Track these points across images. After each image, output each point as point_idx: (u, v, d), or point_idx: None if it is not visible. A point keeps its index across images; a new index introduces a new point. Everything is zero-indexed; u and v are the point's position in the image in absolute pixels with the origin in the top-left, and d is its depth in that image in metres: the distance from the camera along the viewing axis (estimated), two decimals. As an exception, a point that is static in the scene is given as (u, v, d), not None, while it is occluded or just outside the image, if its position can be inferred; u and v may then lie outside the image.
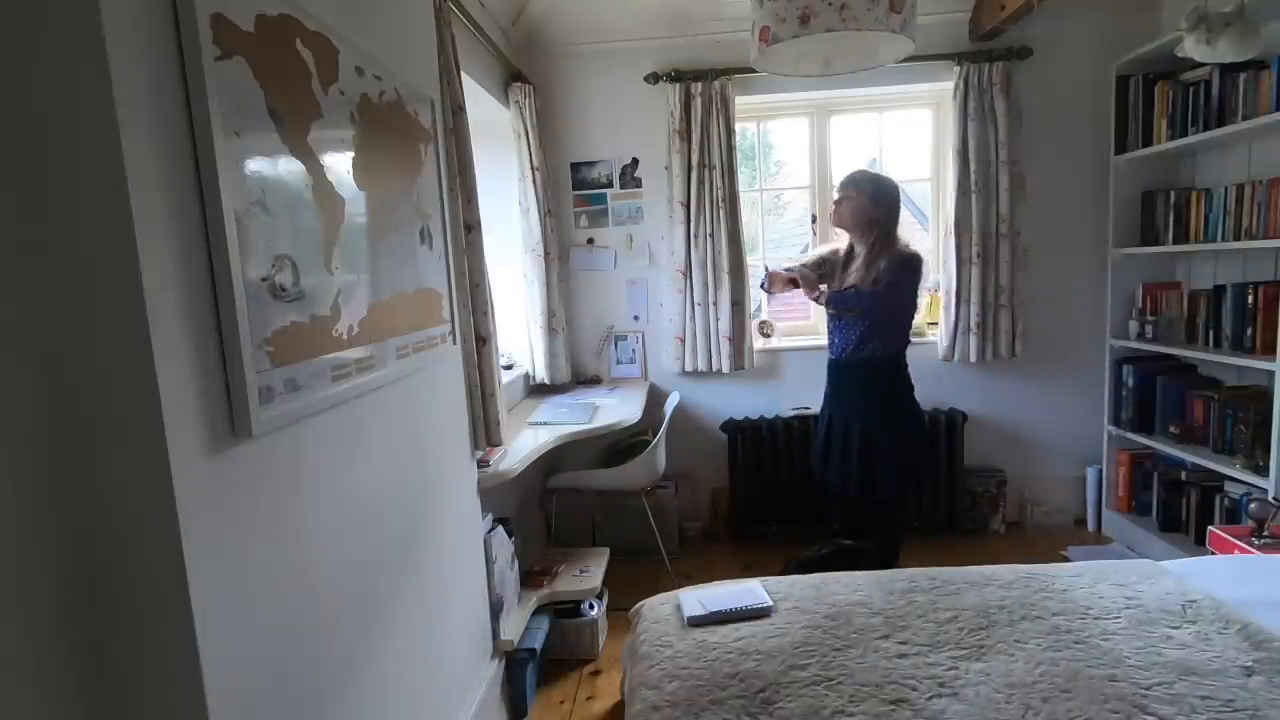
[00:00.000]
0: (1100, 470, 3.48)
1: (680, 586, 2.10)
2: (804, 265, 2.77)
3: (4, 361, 0.86)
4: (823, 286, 2.72)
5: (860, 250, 2.66)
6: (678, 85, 3.34)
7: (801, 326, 3.72)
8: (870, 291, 2.55)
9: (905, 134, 3.72)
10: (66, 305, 0.90)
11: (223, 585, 1.02)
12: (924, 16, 2.79)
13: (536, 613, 2.53)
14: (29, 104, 0.87)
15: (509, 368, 3.26)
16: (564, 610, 2.64)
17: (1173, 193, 3.08)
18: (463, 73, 2.15)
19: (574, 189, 3.55)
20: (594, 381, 3.60)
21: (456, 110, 2.05)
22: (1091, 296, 3.44)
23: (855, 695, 1.46)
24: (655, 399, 3.39)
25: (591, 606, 2.66)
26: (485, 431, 2.16)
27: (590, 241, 3.59)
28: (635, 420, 2.89)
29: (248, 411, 1.05)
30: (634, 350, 3.65)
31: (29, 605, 0.88)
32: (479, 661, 2.15)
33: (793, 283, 2.75)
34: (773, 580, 2.01)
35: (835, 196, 2.69)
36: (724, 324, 3.44)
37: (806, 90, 3.41)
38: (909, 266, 2.55)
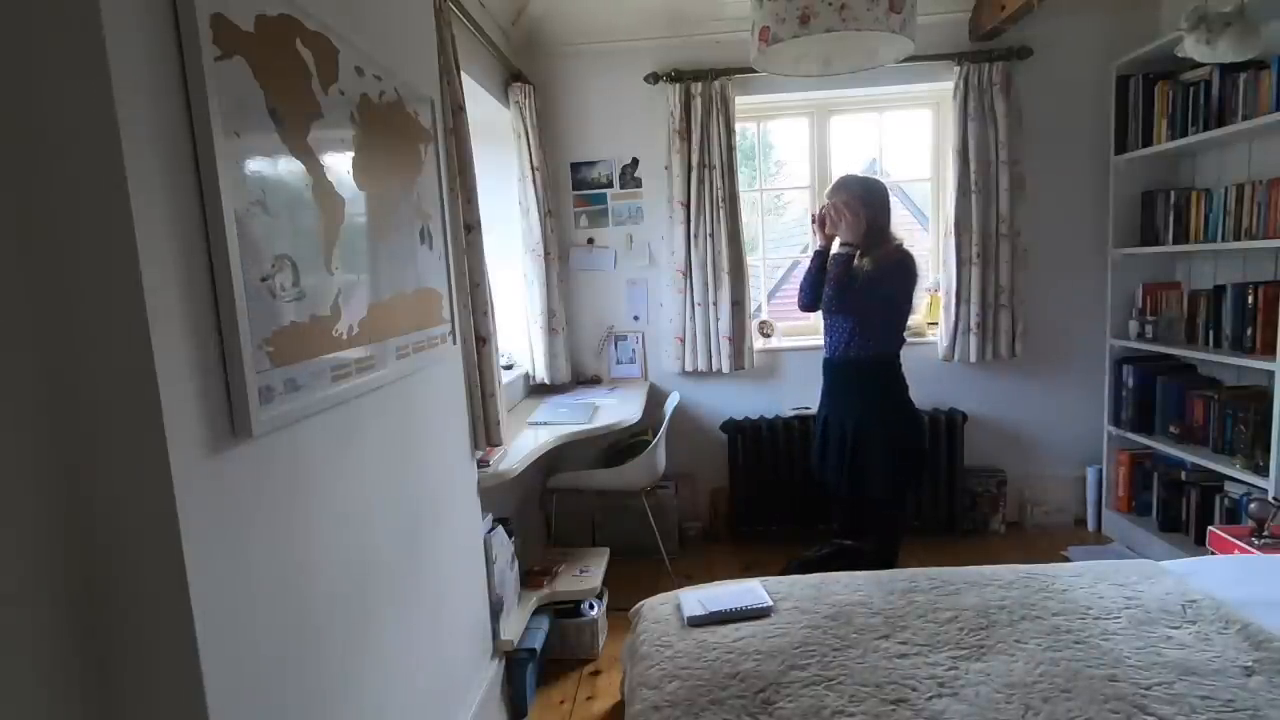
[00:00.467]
0: (1100, 470, 3.48)
1: (680, 586, 2.10)
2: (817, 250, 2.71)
3: (4, 361, 0.86)
4: (834, 247, 2.65)
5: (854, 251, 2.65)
6: (678, 85, 3.34)
7: (801, 326, 3.72)
8: (855, 288, 2.54)
9: (905, 134, 3.72)
10: (66, 305, 0.90)
11: (223, 585, 1.02)
12: (924, 16, 2.79)
13: (536, 613, 2.53)
14: (29, 104, 0.87)
15: (509, 368, 3.26)
16: (564, 610, 2.64)
17: (1173, 193, 3.08)
18: (463, 73, 2.15)
19: (574, 189, 3.55)
20: (594, 381, 3.60)
21: (456, 110, 2.05)
22: (1091, 296, 3.44)
23: (855, 695, 1.46)
24: (655, 399, 3.39)
25: (591, 606, 2.66)
26: (485, 431, 2.16)
27: (590, 241, 3.59)
28: (635, 420, 2.89)
29: (248, 411, 1.05)
30: (634, 350, 3.65)
31: (29, 605, 0.88)
32: (479, 661, 2.15)
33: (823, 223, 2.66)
34: (773, 580, 2.00)
35: (824, 204, 2.66)
36: (724, 324, 3.44)
37: (806, 90, 3.41)
38: (900, 265, 2.54)
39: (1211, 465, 2.80)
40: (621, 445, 3.30)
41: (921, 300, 3.54)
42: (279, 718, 1.15)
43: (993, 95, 3.27)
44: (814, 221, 2.75)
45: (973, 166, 3.29)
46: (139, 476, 0.92)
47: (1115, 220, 3.28)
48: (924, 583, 1.91)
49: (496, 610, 2.27)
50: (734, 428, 3.51)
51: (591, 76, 3.46)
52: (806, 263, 2.77)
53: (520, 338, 3.37)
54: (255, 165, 1.10)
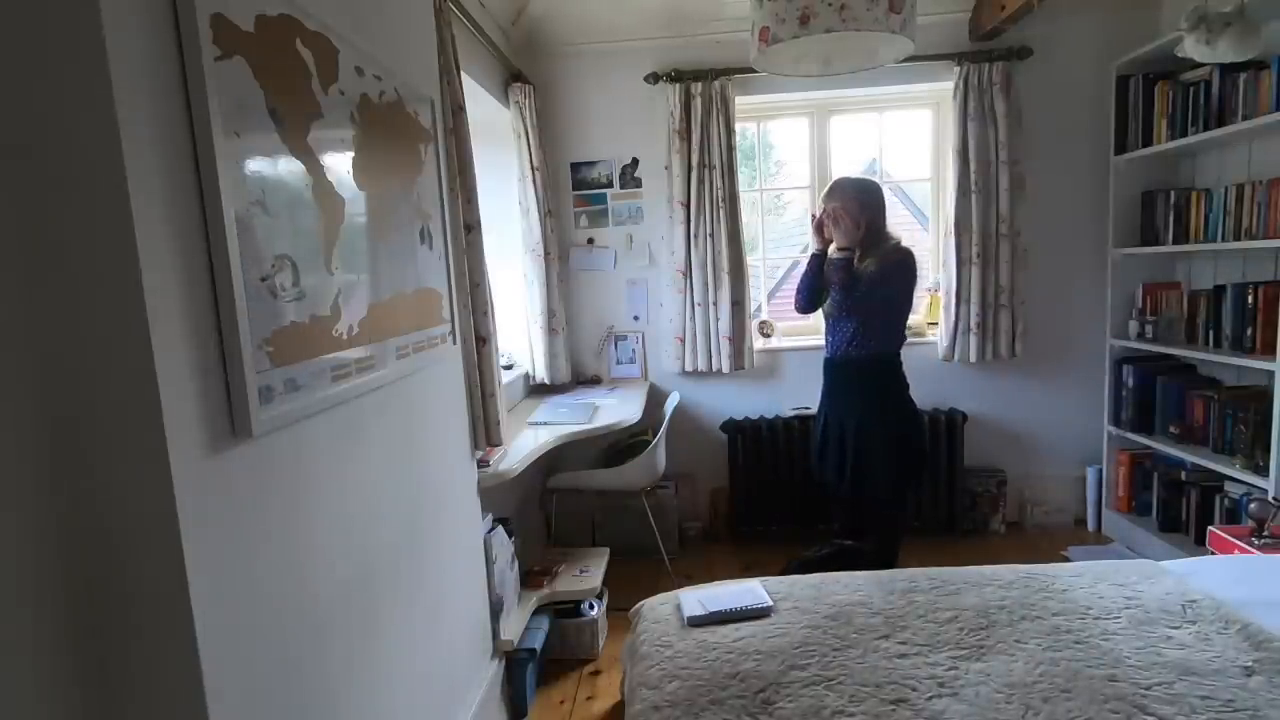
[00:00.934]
0: (1100, 470, 3.48)
1: (680, 586, 2.10)
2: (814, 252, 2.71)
3: (4, 361, 0.86)
4: (832, 251, 2.66)
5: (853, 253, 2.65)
6: (678, 85, 3.34)
7: (801, 326, 3.72)
8: (860, 289, 2.54)
9: (905, 134, 3.72)
10: (66, 305, 0.90)
11: (223, 585, 1.02)
12: (924, 16, 2.79)
13: (536, 613, 2.53)
14: (29, 104, 0.87)
15: (509, 368, 3.26)
16: (564, 610, 2.64)
17: (1173, 193, 3.08)
18: (463, 73, 2.15)
19: (574, 189, 3.55)
20: (594, 381, 3.60)
21: (456, 110, 2.05)
22: (1091, 296, 3.44)
23: (855, 695, 1.46)
24: (655, 399, 3.39)
25: (591, 606, 2.66)
26: (485, 431, 2.16)
27: (590, 241, 3.59)
28: (635, 420, 2.89)
29: (248, 411, 1.05)
30: (634, 350, 3.65)
31: (29, 605, 0.88)
32: (479, 661, 2.15)
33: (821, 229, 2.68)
34: (773, 580, 2.00)
35: (821, 209, 2.66)
36: (724, 324, 3.44)
37: (806, 90, 3.41)
38: (902, 265, 2.55)
39: (1211, 465, 2.80)
40: (621, 445, 3.30)
41: (921, 300, 3.54)
42: (279, 716, 1.15)
43: (993, 95, 3.27)
44: (813, 223, 2.76)
45: (973, 166, 3.29)
46: (139, 476, 0.92)
47: (1115, 220, 3.28)
48: (924, 583, 1.91)
49: (496, 610, 2.27)
50: (734, 428, 3.51)
51: (591, 76, 3.46)
52: (804, 264, 2.77)
53: (520, 338, 3.37)
54: (255, 165, 1.10)
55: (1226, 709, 1.35)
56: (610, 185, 3.54)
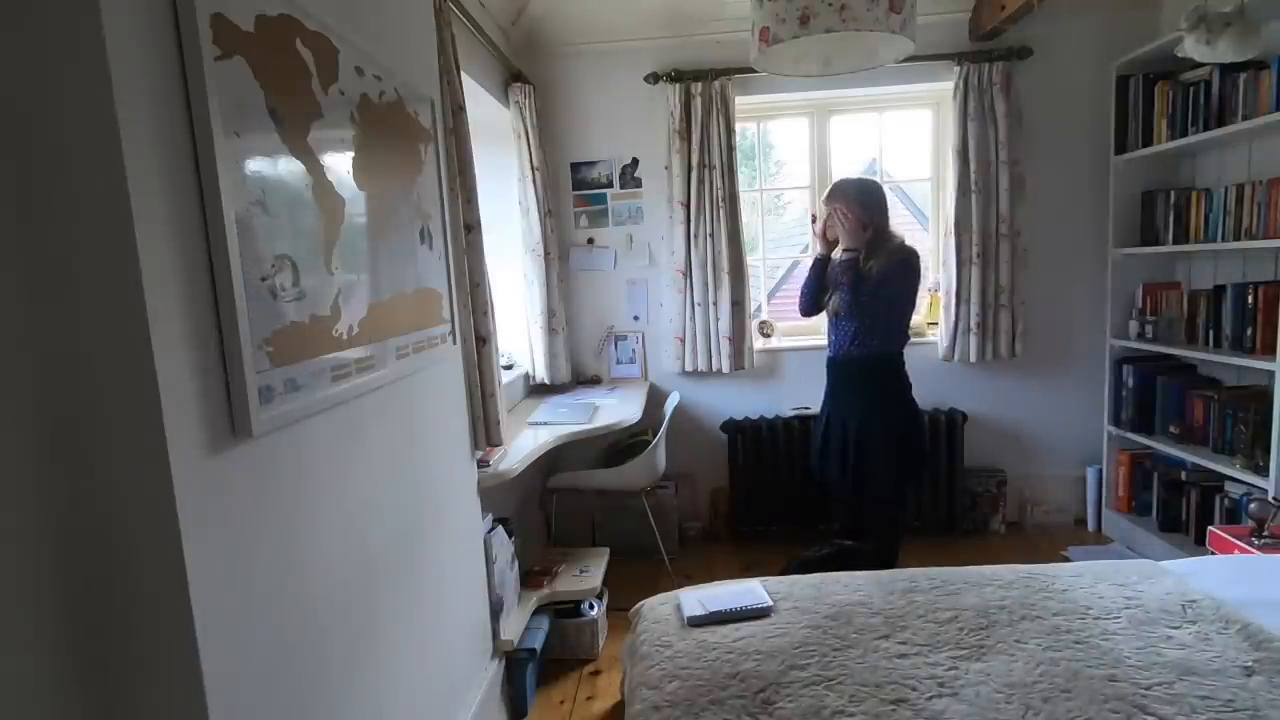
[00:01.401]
0: (1100, 470, 3.48)
1: (680, 586, 2.10)
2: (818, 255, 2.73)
3: (4, 361, 0.86)
4: (835, 254, 2.68)
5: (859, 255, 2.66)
6: (678, 85, 3.34)
7: (801, 326, 3.71)
8: (867, 290, 2.54)
9: (905, 134, 3.72)
10: (67, 305, 0.90)
11: (223, 585, 1.02)
12: (924, 16, 2.79)
13: (536, 613, 2.53)
14: (29, 104, 0.87)
15: (509, 368, 3.26)
16: (564, 610, 2.64)
17: (1173, 193, 3.08)
18: (463, 73, 2.15)
19: (574, 189, 3.55)
20: (594, 381, 3.60)
21: (456, 110, 2.05)
22: (1091, 296, 3.44)
23: (855, 695, 1.46)
24: (655, 399, 3.39)
25: (591, 606, 2.66)
26: (485, 431, 2.16)
27: (590, 241, 3.59)
28: (635, 420, 2.89)
29: (248, 411, 1.05)
30: (634, 350, 3.65)
31: (29, 605, 0.88)
32: (479, 661, 2.15)
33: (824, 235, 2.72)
34: (773, 580, 2.00)
35: (823, 211, 2.68)
36: (724, 324, 3.44)
37: (806, 90, 3.41)
38: (906, 265, 2.55)
39: (1211, 465, 2.80)
40: (621, 445, 3.30)
41: (922, 300, 3.54)
42: (279, 716, 1.15)
43: (993, 95, 3.27)
44: (814, 224, 2.77)
45: (973, 166, 3.29)
46: (139, 476, 0.92)
47: (1115, 220, 3.28)
48: (924, 583, 1.91)
49: (496, 610, 2.27)
50: (734, 428, 3.51)
51: (591, 76, 3.46)
52: (806, 265, 2.77)
53: (520, 338, 3.37)
54: (255, 165, 1.10)
55: (1226, 709, 1.35)
56: (610, 185, 3.54)
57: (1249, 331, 2.71)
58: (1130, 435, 3.26)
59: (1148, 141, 3.13)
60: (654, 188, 3.50)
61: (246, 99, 1.08)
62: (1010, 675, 1.49)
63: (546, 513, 3.30)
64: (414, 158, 1.78)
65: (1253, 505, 2.43)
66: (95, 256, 0.89)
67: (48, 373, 0.90)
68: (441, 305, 1.90)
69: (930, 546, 3.29)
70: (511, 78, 3.14)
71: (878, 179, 3.11)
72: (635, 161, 3.51)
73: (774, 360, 3.63)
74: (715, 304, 3.43)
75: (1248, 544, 2.34)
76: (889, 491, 2.62)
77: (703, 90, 3.32)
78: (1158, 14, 3.26)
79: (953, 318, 3.41)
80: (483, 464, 2.21)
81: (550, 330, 3.33)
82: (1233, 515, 2.79)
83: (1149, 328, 3.17)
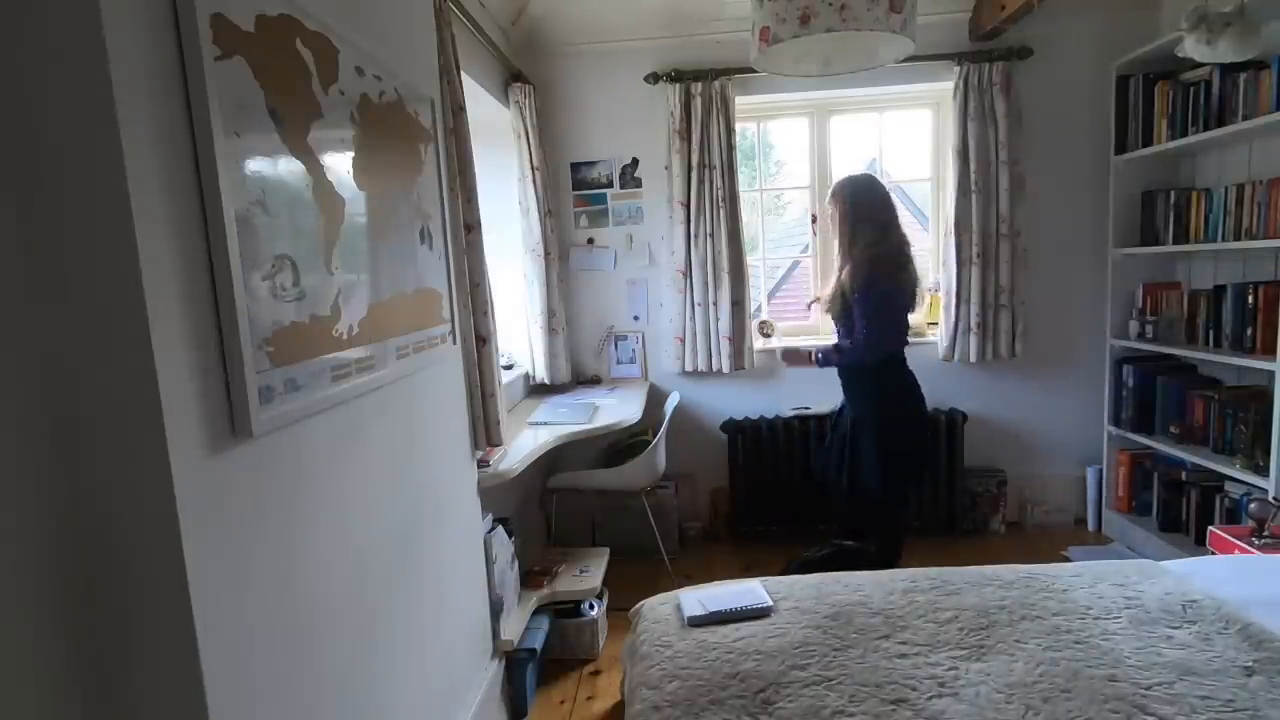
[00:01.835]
0: (1100, 470, 3.47)
1: (680, 586, 2.10)
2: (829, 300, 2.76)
3: (4, 361, 0.86)
4: (817, 353, 2.75)
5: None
6: (678, 85, 3.34)
7: (802, 327, 3.72)
8: (839, 303, 2.61)
9: (905, 134, 3.72)
10: (67, 305, 0.90)
11: (223, 585, 1.02)
12: (924, 16, 2.79)
13: (536, 613, 2.53)
14: (29, 104, 0.87)
15: (509, 368, 3.26)
16: (564, 610, 2.64)
17: (1173, 193, 3.08)
18: (463, 73, 2.15)
19: (574, 189, 3.55)
20: (594, 381, 3.60)
21: (456, 110, 2.05)
22: (1091, 296, 3.44)
23: (855, 695, 1.46)
24: (655, 399, 3.39)
25: (591, 606, 2.66)
26: (485, 431, 2.16)
27: (590, 241, 3.59)
28: (635, 420, 2.89)
29: (248, 411, 1.05)
30: (634, 350, 3.65)
31: (29, 605, 0.88)
32: (479, 661, 2.15)
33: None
34: (773, 580, 2.00)
35: (826, 210, 2.73)
36: (724, 324, 3.44)
37: (806, 90, 3.41)
38: (868, 281, 2.52)
39: (1211, 465, 2.80)
40: (621, 445, 3.30)
41: (921, 300, 3.53)
42: (279, 716, 1.15)
43: (993, 95, 3.27)
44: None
45: (973, 166, 3.29)
46: (139, 476, 0.92)
47: (1115, 220, 3.28)
48: (924, 583, 1.91)
49: (496, 610, 2.27)
50: (734, 428, 3.51)
51: (591, 76, 3.46)
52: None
53: (520, 338, 3.37)
54: (255, 165, 1.10)
55: (1226, 709, 1.35)
56: (610, 185, 3.54)
57: (1249, 331, 2.71)
58: (1130, 435, 3.26)
59: (1148, 141, 3.13)
60: (654, 188, 3.50)
61: (246, 99, 1.08)
62: (1010, 675, 1.49)
63: (546, 513, 3.30)
64: (414, 158, 1.78)
65: (1253, 505, 2.43)
66: (95, 256, 0.89)
67: (48, 373, 0.90)
68: (441, 305, 1.90)
69: (930, 546, 3.29)
70: (511, 78, 3.14)
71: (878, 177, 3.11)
72: (635, 161, 3.51)
73: (774, 360, 3.61)
74: (715, 304, 3.43)
75: (1248, 544, 2.34)
76: (880, 491, 2.62)
77: (703, 90, 3.32)
78: (1158, 14, 3.26)
79: (953, 318, 3.41)
80: (483, 464, 2.21)
81: (550, 330, 3.33)
82: (1233, 515, 2.79)
83: (1149, 328, 3.17)
